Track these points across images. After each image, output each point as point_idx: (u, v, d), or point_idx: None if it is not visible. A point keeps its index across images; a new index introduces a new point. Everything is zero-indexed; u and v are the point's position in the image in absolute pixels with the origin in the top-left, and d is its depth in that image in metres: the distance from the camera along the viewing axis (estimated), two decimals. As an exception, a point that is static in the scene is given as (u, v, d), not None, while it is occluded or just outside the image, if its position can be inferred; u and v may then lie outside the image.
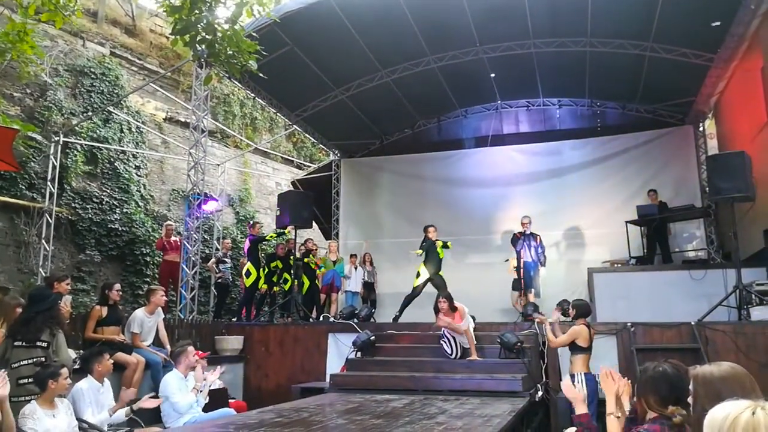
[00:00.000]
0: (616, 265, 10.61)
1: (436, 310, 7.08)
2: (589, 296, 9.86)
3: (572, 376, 5.67)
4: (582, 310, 6.18)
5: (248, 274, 10.19)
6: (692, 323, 7.21)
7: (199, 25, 6.23)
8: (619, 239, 10.96)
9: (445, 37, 10.51)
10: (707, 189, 9.99)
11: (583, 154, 12.52)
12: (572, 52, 10.55)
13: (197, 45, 6.47)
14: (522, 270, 9.95)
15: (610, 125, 12.69)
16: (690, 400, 2.24)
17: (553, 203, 12.16)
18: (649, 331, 7.40)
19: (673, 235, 11.41)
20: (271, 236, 10.79)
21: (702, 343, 7.02)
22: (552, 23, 9.96)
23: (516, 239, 10.23)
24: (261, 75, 8.33)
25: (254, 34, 8.01)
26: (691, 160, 11.77)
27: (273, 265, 10.71)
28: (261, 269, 10.38)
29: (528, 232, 10.17)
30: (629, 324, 7.40)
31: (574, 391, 3.41)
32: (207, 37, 6.36)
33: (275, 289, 10.84)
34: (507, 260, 10.86)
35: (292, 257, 10.70)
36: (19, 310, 5.37)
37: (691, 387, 2.24)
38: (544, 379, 7.26)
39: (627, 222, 10.79)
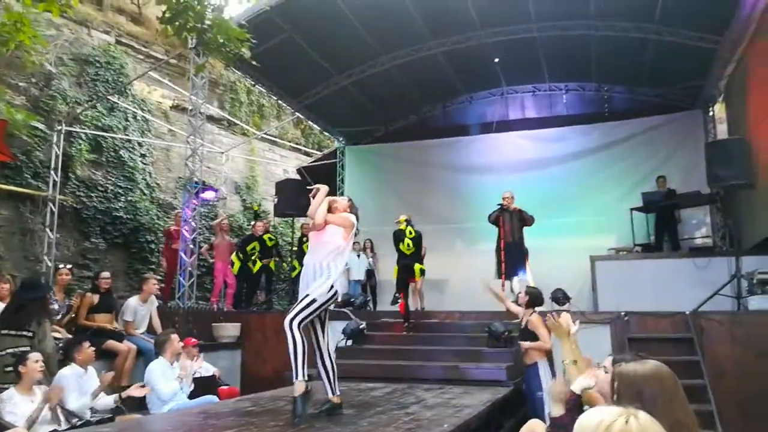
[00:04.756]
0: (620, 253, 10.42)
1: None
2: (591, 284, 9.75)
3: (532, 366, 5.49)
4: (537, 300, 5.94)
5: (232, 264, 10.39)
6: (686, 312, 7.07)
7: (187, 14, 6.25)
8: (625, 227, 10.76)
9: (445, 21, 10.35)
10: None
11: (590, 139, 12.28)
12: (576, 36, 10.32)
13: (186, 33, 6.50)
14: (504, 253, 8.98)
15: (618, 110, 12.42)
16: (615, 398, 2.19)
17: (559, 190, 11.94)
18: (643, 320, 7.28)
19: (683, 222, 11.17)
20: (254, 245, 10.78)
21: (696, 333, 6.88)
22: (554, 5, 9.74)
23: (495, 217, 9.19)
24: (254, 63, 8.33)
25: (244, 22, 8.00)
26: (699, 145, 11.42)
27: (249, 248, 10.62)
28: (240, 256, 10.49)
29: (511, 209, 9.12)
30: (623, 313, 7.29)
31: (565, 390, 3.02)
32: (196, 25, 6.38)
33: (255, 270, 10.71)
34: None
35: (269, 240, 10.81)
36: None
37: (615, 385, 2.19)
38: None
39: (632, 209, 10.59)
